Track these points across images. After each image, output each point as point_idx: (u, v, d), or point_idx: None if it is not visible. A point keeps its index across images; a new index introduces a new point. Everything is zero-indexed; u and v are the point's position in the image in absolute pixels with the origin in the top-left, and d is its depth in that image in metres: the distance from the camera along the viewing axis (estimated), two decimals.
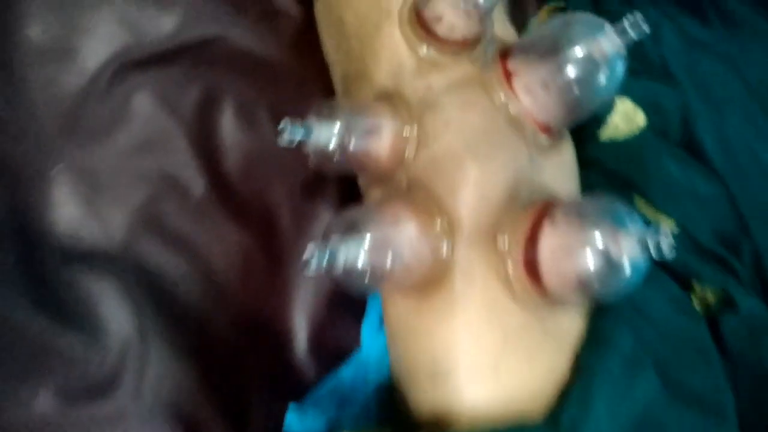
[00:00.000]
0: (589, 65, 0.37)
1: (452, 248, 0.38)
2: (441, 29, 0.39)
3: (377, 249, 0.36)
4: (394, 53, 0.41)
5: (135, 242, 0.42)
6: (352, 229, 0.36)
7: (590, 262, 0.35)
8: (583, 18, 0.38)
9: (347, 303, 0.47)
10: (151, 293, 0.41)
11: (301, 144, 0.38)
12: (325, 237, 0.36)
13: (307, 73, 0.48)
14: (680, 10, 0.54)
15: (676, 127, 0.50)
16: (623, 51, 0.38)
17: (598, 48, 0.37)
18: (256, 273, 0.45)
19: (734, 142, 0.50)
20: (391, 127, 0.39)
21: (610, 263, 0.34)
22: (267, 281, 0.44)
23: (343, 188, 0.48)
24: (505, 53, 0.40)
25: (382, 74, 0.42)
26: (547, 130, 0.40)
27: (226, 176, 0.45)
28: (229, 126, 0.45)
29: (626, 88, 0.51)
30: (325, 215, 0.47)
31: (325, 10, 0.45)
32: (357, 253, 0.35)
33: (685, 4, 0.54)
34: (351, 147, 0.38)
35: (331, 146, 0.38)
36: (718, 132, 0.50)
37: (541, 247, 0.36)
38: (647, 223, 0.34)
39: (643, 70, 0.51)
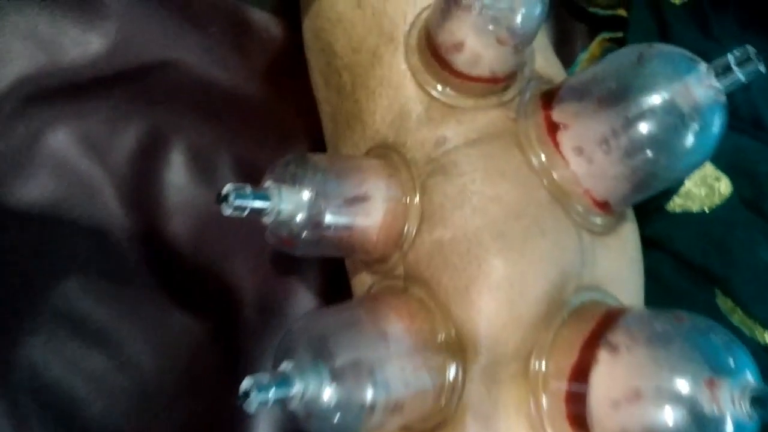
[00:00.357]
0: (673, 119, 0.26)
1: (462, 377, 0.27)
2: (461, 61, 0.28)
3: (352, 379, 0.25)
4: (397, 92, 0.30)
5: (32, 339, 0.31)
6: (315, 350, 0.25)
7: (669, 418, 0.23)
8: (666, 51, 0.26)
9: None
10: (50, 417, 0.30)
11: (255, 217, 0.27)
12: (277, 360, 0.25)
13: (287, 113, 0.37)
14: None
15: None
16: (723, 99, 0.26)
17: (687, 94, 0.26)
18: (205, 381, 0.33)
19: None
20: (384, 196, 0.28)
21: (700, 423, 0.23)
22: (220, 393, 0.33)
23: (327, 264, 0.37)
24: (549, 97, 0.29)
25: (378, 119, 0.31)
26: (604, 206, 0.29)
27: (170, 245, 0.34)
28: (176, 179, 0.34)
29: None
30: (301, 300, 0.36)
31: (313, 34, 0.34)
32: (320, 388, 0.24)
33: None
34: (326, 222, 0.27)
35: (298, 220, 0.27)
36: None
37: (593, 385, 0.25)
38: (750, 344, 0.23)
39: (728, 133, 0.39)
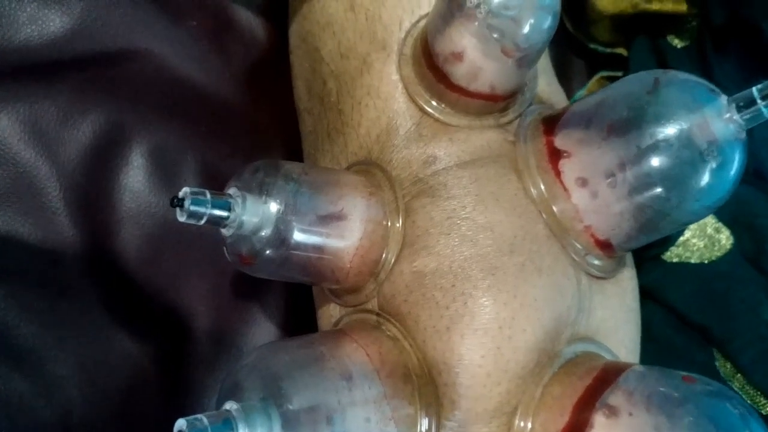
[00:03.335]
0: (689, 153, 0.23)
1: (437, 427, 0.23)
2: (459, 73, 0.25)
3: (307, 427, 0.21)
4: (386, 104, 0.27)
5: None
6: (266, 390, 0.21)
7: None
8: (684, 78, 0.24)
9: None
10: None
11: (214, 226, 0.23)
12: (221, 399, 0.21)
13: (264, 120, 0.33)
14: None
15: None
16: (744, 136, 0.24)
17: (705, 127, 0.23)
18: (141, 418, 0.29)
19: None
20: (363, 216, 0.25)
21: None
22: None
23: (292, 291, 0.33)
24: (552, 122, 0.26)
25: (363, 133, 0.28)
26: (605, 247, 0.26)
27: (118, 257, 0.30)
28: (133, 182, 0.30)
29: None
30: (260, 331, 0.32)
31: (300, 37, 0.31)
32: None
33: None
34: (294, 240, 0.24)
35: (262, 235, 0.23)
36: None
37: None
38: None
39: None
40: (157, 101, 0.31)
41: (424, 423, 0.22)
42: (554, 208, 0.25)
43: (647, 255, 0.36)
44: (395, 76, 0.27)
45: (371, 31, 0.28)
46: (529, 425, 0.23)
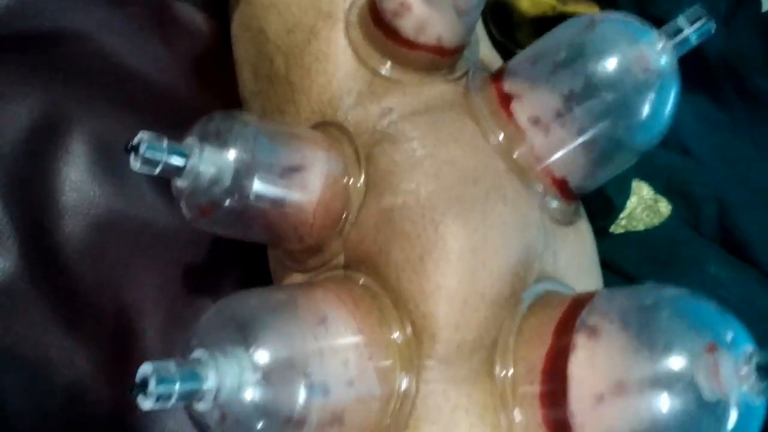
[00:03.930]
0: (628, 84, 0.25)
1: (416, 380, 0.22)
2: (407, 26, 0.26)
3: (282, 374, 0.19)
4: (336, 67, 0.27)
5: None
6: (238, 337, 0.20)
7: (665, 406, 0.19)
8: (617, 17, 0.26)
9: None
10: None
11: (169, 176, 0.22)
12: (188, 349, 0.20)
13: (209, 109, 0.33)
14: (694, 89, 0.43)
15: (711, 220, 0.38)
16: (676, 63, 0.25)
17: (640, 58, 0.25)
18: (98, 419, 0.26)
19: None
20: (324, 168, 0.24)
21: (699, 410, 0.19)
22: None
23: (249, 280, 0.31)
24: (498, 73, 0.27)
25: (314, 98, 0.28)
26: (562, 186, 0.26)
27: (58, 250, 0.28)
28: (74, 172, 0.28)
29: (643, 172, 0.38)
30: None
31: (243, 25, 0.32)
32: (240, 384, 0.19)
33: (700, 82, 0.44)
34: (254, 191, 0.23)
35: (221, 186, 0.23)
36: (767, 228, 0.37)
37: (572, 377, 0.21)
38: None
39: (660, 154, 0.39)
40: (98, 88, 0.30)
41: (404, 381, 0.21)
42: (511, 150, 0.25)
43: (595, 229, 0.37)
44: (343, 41, 0.28)
45: (316, 5, 0.29)
46: (510, 356, 0.22)
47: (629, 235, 0.37)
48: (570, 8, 0.45)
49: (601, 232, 0.38)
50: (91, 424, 0.27)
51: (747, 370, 0.18)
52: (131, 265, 0.29)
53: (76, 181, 0.29)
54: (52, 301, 0.27)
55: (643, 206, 0.38)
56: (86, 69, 0.30)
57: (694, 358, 0.19)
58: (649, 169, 0.38)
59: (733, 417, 0.19)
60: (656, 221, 0.38)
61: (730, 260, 0.36)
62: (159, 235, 0.30)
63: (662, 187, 0.38)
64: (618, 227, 0.38)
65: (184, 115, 0.32)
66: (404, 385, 0.22)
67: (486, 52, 0.31)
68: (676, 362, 0.19)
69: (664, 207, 0.38)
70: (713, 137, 0.42)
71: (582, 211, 0.30)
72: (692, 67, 0.30)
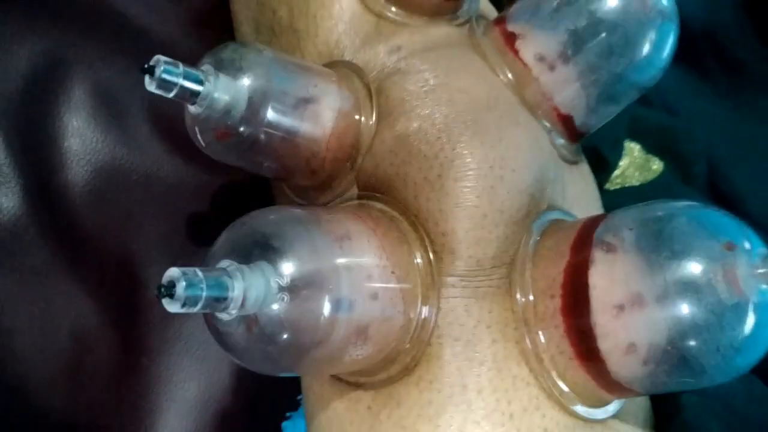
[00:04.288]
0: (630, 23, 0.25)
1: (437, 299, 0.22)
2: None
3: (306, 289, 0.20)
4: (342, 10, 0.28)
5: None
6: (264, 248, 0.20)
7: (683, 311, 0.20)
8: None
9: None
10: None
11: (184, 100, 0.22)
12: (212, 261, 0.20)
13: None
14: (677, 59, 0.45)
15: (701, 176, 0.39)
16: (674, 4, 0.26)
17: None
18: (103, 372, 0.26)
19: None
20: (335, 99, 0.25)
21: (718, 313, 0.20)
22: (113, 394, 0.26)
23: None
24: (500, 18, 0.28)
25: (321, 43, 0.28)
26: (568, 125, 0.27)
27: (61, 197, 0.27)
28: (76, 119, 0.28)
29: (634, 132, 0.39)
30: None
31: None
32: (268, 293, 0.19)
33: (684, 53, 0.45)
34: (267, 121, 0.23)
35: (236, 114, 0.23)
36: (757, 183, 0.38)
37: (593, 287, 0.21)
38: None
39: (647, 115, 0.40)
40: (101, 36, 0.30)
41: (425, 310, 0.22)
42: (521, 90, 0.26)
43: None
44: None
45: None
46: (528, 276, 0.22)
47: (625, 190, 0.38)
48: None
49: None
50: (96, 366, 0.26)
51: (765, 270, 0.19)
52: (135, 214, 0.29)
53: (78, 127, 0.28)
54: (56, 243, 0.27)
55: (635, 166, 0.39)
56: (88, 16, 0.30)
57: (710, 261, 0.19)
58: (639, 129, 0.39)
59: (752, 317, 0.19)
60: (649, 178, 0.39)
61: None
62: (163, 185, 0.30)
63: (653, 147, 0.39)
64: (612, 184, 0.39)
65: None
66: (425, 313, 0.22)
67: (485, 5, 0.31)
68: (693, 266, 0.20)
69: (656, 165, 0.39)
70: (698, 102, 0.43)
71: (583, 156, 0.31)
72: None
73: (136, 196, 0.29)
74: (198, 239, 0.30)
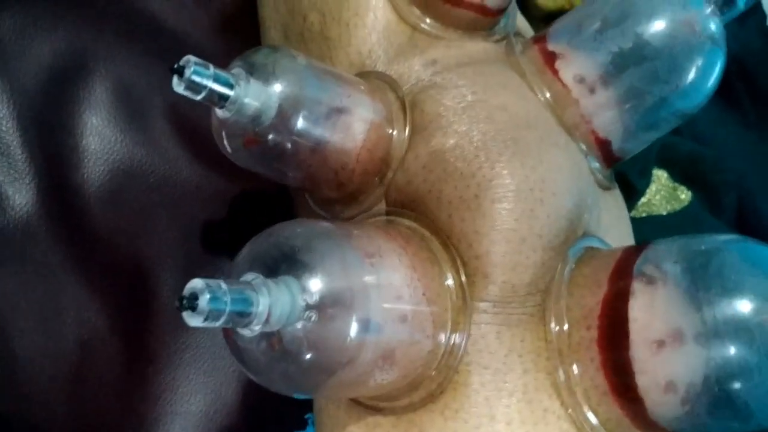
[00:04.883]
0: (676, 46, 0.24)
1: (468, 325, 0.21)
2: None
3: (333, 307, 0.19)
4: (376, 20, 0.27)
5: None
6: (291, 263, 0.19)
7: (729, 354, 0.19)
8: None
9: None
10: None
11: (212, 104, 0.21)
12: (235, 275, 0.19)
13: None
14: None
15: (731, 208, 0.38)
16: (722, 31, 0.25)
17: (689, 22, 0.25)
18: (109, 379, 0.25)
19: None
20: (368, 111, 0.24)
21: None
22: (117, 403, 0.24)
23: None
24: (539, 36, 0.27)
25: (353, 52, 0.27)
26: (605, 147, 0.26)
27: (76, 197, 0.26)
28: (96, 117, 0.27)
29: (663, 160, 0.38)
30: None
31: None
32: (294, 310, 0.18)
33: None
34: (297, 129, 0.22)
35: (265, 120, 0.22)
36: None
37: (633, 322, 0.20)
38: None
39: (677, 143, 0.39)
40: (127, 35, 0.29)
41: (455, 337, 0.20)
42: (560, 110, 0.25)
43: None
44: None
45: None
46: (564, 304, 0.21)
47: (651, 219, 0.37)
48: None
49: None
50: (101, 372, 0.25)
51: None
52: (150, 217, 0.28)
53: (97, 126, 0.28)
54: (68, 243, 0.26)
55: (663, 193, 0.38)
56: (116, 14, 0.29)
57: (765, 301, 0.18)
58: (668, 157, 0.38)
59: None
60: (676, 207, 0.38)
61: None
62: (180, 189, 0.29)
63: (681, 176, 0.38)
64: (638, 212, 0.38)
65: None
66: (454, 338, 0.21)
67: (521, 23, 0.31)
68: (745, 305, 0.19)
69: (684, 194, 0.38)
70: (727, 132, 0.42)
71: (615, 183, 0.30)
72: None
73: (151, 199, 0.28)
74: (212, 247, 0.29)
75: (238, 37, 0.32)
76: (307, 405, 0.26)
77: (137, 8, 0.30)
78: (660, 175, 0.39)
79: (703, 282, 0.20)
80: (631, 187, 0.36)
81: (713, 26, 0.25)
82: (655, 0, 0.25)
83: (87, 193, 0.27)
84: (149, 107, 0.29)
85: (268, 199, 0.30)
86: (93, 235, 0.27)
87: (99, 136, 0.27)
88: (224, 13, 0.32)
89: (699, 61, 0.25)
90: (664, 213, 0.37)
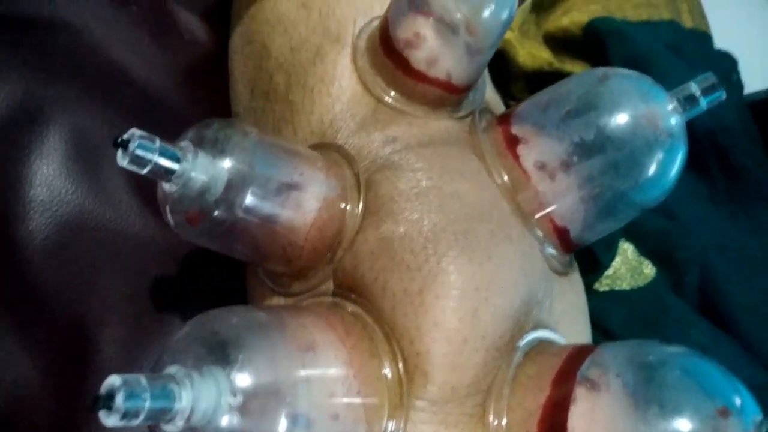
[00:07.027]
0: (636, 142, 0.24)
1: (404, 422, 0.21)
2: (418, 58, 0.25)
3: (264, 399, 0.18)
4: (340, 90, 0.27)
5: None
6: (217, 356, 0.18)
7: None
8: (630, 73, 0.26)
9: None
10: None
11: (158, 178, 0.21)
12: (158, 366, 0.18)
13: (197, 117, 0.31)
14: None
15: (693, 286, 0.37)
16: (684, 127, 0.25)
17: (650, 117, 0.24)
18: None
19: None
20: (321, 188, 0.23)
21: None
22: None
23: (224, 296, 0.30)
24: (505, 116, 0.27)
25: (315, 120, 0.27)
26: (563, 235, 0.26)
27: (19, 250, 0.25)
28: (47, 167, 0.26)
29: (629, 233, 0.38)
30: None
31: (245, 38, 0.31)
32: (218, 406, 0.17)
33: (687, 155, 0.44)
34: (245, 206, 0.22)
35: (211, 196, 0.21)
36: (749, 300, 0.37)
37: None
38: None
39: (644, 217, 0.39)
40: (87, 83, 0.28)
41: (391, 424, 0.20)
42: (517, 196, 0.25)
43: None
44: (350, 65, 0.27)
45: (325, 26, 0.28)
46: (505, 404, 0.21)
47: (614, 294, 0.37)
48: (567, 67, 0.46)
49: (585, 288, 0.37)
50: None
51: None
52: (97, 272, 0.27)
53: (48, 176, 0.27)
54: (5, 297, 0.25)
55: (627, 267, 0.38)
56: (76, 62, 0.28)
57: (704, 422, 0.18)
58: (635, 230, 0.38)
59: None
60: (640, 283, 0.37)
61: (711, 328, 0.36)
62: (131, 243, 0.28)
63: (647, 250, 0.38)
64: (602, 285, 0.37)
65: (173, 123, 0.31)
66: (390, 427, 0.20)
67: (491, 95, 0.30)
68: (684, 424, 0.18)
69: (648, 269, 0.38)
70: (697, 207, 0.42)
71: (575, 264, 0.29)
72: None
73: (100, 254, 0.27)
74: (161, 303, 0.29)
75: (206, 88, 0.32)
76: None
77: (100, 56, 0.29)
78: (626, 248, 0.38)
79: (644, 397, 0.19)
80: (596, 261, 0.36)
81: (674, 122, 0.24)
82: (619, 94, 0.25)
83: (31, 247, 0.26)
84: (105, 158, 0.28)
85: (221, 257, 0.29)
86: (33, 289, 0.26)
87: (48, 187, 0.27)
88: (192, 65, 0.32)
89: (659, 157, 0.24)
90: (627, 288, 0.37)
